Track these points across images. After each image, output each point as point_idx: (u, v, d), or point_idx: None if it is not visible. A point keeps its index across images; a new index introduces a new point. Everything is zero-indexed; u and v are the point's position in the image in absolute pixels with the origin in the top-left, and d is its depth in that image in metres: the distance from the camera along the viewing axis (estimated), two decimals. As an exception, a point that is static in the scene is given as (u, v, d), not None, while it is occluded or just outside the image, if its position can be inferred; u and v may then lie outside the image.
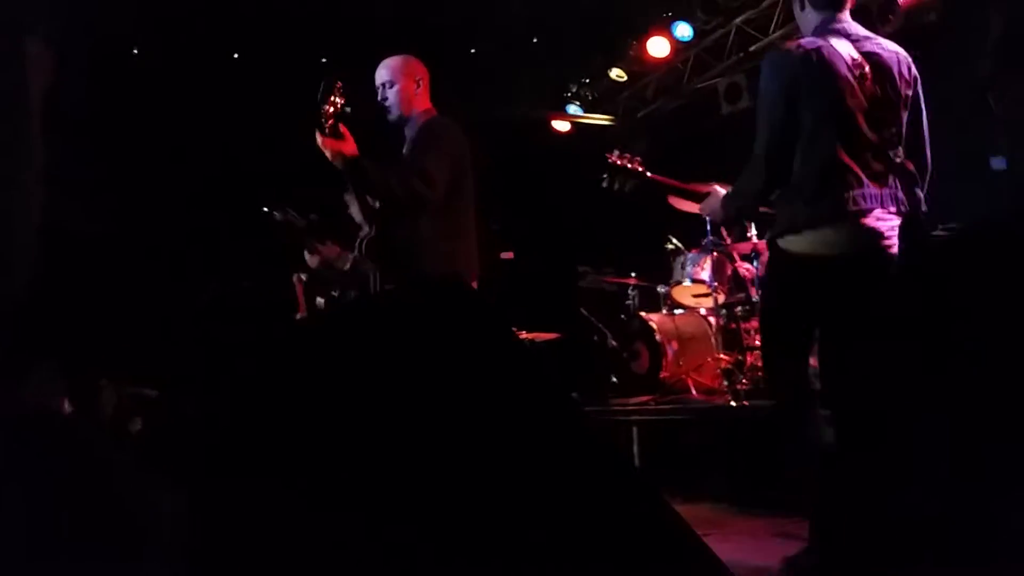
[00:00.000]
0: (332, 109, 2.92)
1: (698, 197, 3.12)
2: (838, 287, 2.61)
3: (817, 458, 2.59)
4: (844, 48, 2.63)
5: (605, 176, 3.30)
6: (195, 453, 1.17)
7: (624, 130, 8.42)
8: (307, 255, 3.64)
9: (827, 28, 2.70)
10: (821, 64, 2.59)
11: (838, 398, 2.73)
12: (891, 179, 2.62)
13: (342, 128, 2.93)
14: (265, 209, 3.60)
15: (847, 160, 2.58)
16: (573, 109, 8.24)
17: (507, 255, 6.04)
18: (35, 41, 0.53)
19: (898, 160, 2.65)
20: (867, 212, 2.57)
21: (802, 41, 2.70)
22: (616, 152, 3.32)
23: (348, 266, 3.39)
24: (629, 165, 3.28)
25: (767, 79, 2.67)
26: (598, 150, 9.19)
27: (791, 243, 2.67)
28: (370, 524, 1.00)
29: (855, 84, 2.60)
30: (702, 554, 1.14)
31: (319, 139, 2.94)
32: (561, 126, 8.37)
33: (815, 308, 2.67)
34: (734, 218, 2.90)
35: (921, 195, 2.70)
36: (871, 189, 2.59)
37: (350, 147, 2.94)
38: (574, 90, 8.17)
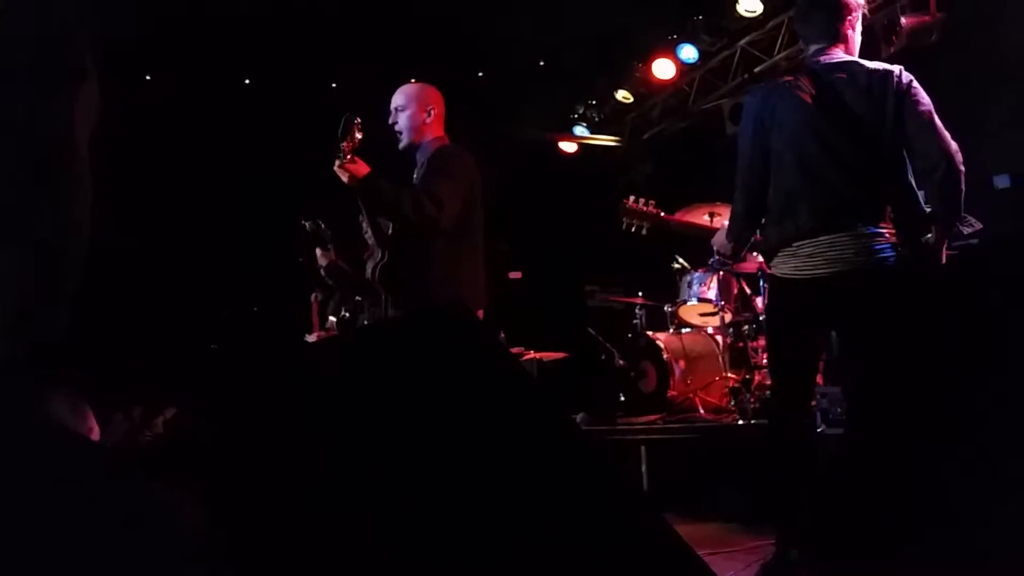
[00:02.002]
0: (351, 145, 3.01)
1: (710, 233, 3.32)
2: (819, 303, 2.74)
3: (799, 472, 2.75)
4: (808, 81, 2.79)
5: (623, 220, 3.53)
6: (205, 470, 1.21)
7: (630, 151, 8.48)
8: (319, 251, 3.68)
9: (809, 60, 2.90)
10: (780, 101, 2.81)
11: (855, 410, 2.86)
12: (859, 197, 2.71)
13: (355, 157, 3.04)
14: (303, 222, 3.68)
15: (807, 184, 2.73)
16: (580, 130, 8.31)
17: (515, 275, 6.09)
18: (86, 79, 0.58)
19: (868, 177, 2.72)
20: (830, 230, 2.69)
21: (765, 83, 3.00)
22: (632, 197, 3.57)
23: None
24: (645, 208, 3.52)
25: (742, 117, 2.94)
26: (605, 171, 9.26)
27: (776, 266, 2.84)
28: (373, 538, 1.04)
29: (813, 114, 2.75)
30: (699, 570, 1.17)
31: (335, 165, 3.04)
32: (568, 147, 8.43)
33: (800, 328, 2.81)
34: (737, 249, 3.06)
35: (919, 198, 2.75)
36: (833, 209, 2.71)
37: (363, 168, 3.03)
38: (581, 112, 8.23)
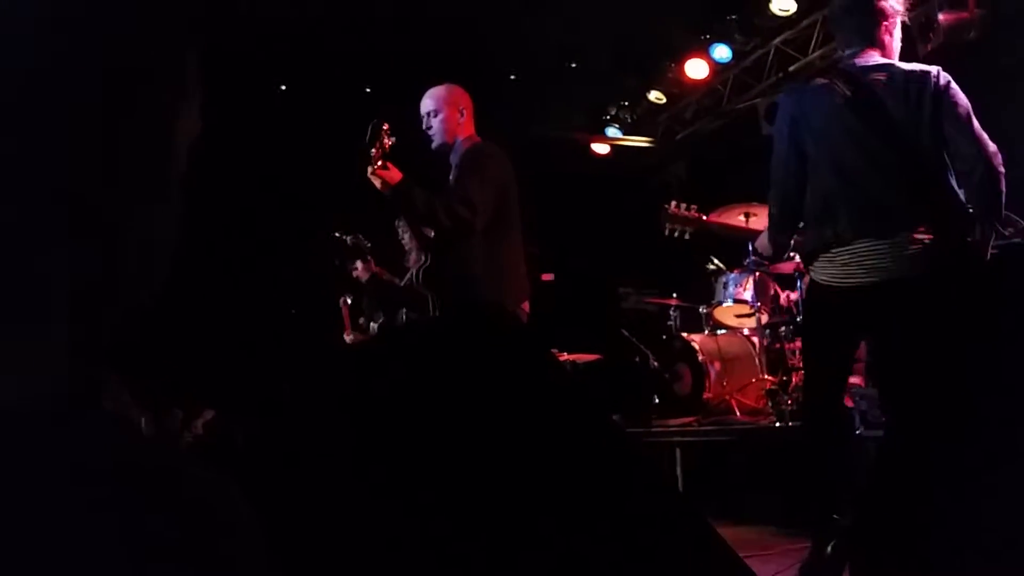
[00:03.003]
0: (380, 151, 3.04)
1: (752, 235, 3.31)
2: (857, 312, 2.70)
3: (833, 474, 2.75)
4: (843, 83, 2.75)
5: (666, 225, 3.55)
6: (243, 472, 1.23)
7: (663, 152, 8.43)
8: (359, 264, 3.72)
9: (844, 62, 2.87)
10: (814, 103, 2.77)
11: (891, 414, 2.83)
12: (897, 202, 2.66)
13: (388, 163, 3.07)
14: (336, 234, 3.72)
15: (844, 188, 2.69)
16: (612, 132, 8.27)
17: (548, 277, 6.08)
18: (188, 97, 0.60)
19: (907, 181, 2.68)
20: (869, 237, 2.64)
21: (800, 84, 2.97)
22: (673, 202, 3.58)
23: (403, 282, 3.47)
24: (687, 213, 3.53)
25: (777, 119, 2.91)
26: (638, 172, 9.21)
27: (814, 270, 2.80)
28: (413, 541, 1.04)
29: (848, 117, 2.71)
30: (741, 572, 1.17)
31: (368, 172, 3.07)
32: (600, 149, 8.41)
33: (837, 333, 2.79)
34: (777, 252, 3.03)
35: (961, 199, 2.69)
36: (871, 215, 2.66)
37: (396, 175, 3.07)
38: (613, 113, 8.19)
